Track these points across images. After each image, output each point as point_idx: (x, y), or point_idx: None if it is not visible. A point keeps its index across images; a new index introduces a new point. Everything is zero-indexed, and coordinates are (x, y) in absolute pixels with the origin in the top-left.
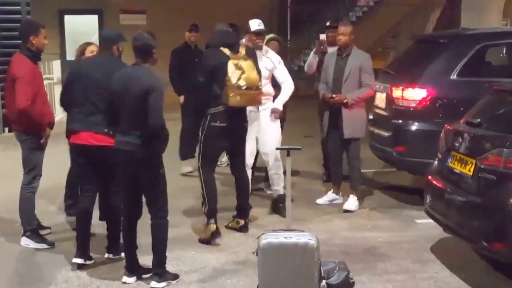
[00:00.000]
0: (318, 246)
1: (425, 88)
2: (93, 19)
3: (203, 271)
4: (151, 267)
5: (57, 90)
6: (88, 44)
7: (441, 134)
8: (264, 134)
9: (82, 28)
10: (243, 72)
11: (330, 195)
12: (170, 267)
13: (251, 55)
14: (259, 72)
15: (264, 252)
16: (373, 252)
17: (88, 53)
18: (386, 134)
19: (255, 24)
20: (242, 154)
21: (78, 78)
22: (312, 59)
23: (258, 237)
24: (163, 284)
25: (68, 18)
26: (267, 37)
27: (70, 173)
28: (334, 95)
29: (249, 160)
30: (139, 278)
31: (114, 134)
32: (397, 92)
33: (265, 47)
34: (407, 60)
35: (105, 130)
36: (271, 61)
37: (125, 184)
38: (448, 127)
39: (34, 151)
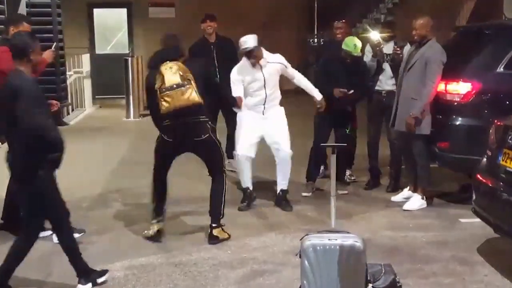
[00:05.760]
0: (364, 248)
1: (470, 82)
2: (122, 12)
3: (240, 271)
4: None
5: (87, 83)
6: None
7: (491, 130)
8: (275, 132)
9: (111, 22)
10: (163, 76)
11: (406, 192)
12: (207, 267)
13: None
14: (192, 68)
15: (307, 254)
16: (417, 253)
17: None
18: None
19: (241, 44)
20: (211, 162)
21: None
22: (371, 63)
23: (301, 239)
24: (89, 285)
25: (97, 11)
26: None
27: None
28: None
29: (250, 152)
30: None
31: None
32: (440, 86)
33: (266, 54)
34: (450, 53)
35: None
36: (279, 63)
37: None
38: (499, 123)
39: None
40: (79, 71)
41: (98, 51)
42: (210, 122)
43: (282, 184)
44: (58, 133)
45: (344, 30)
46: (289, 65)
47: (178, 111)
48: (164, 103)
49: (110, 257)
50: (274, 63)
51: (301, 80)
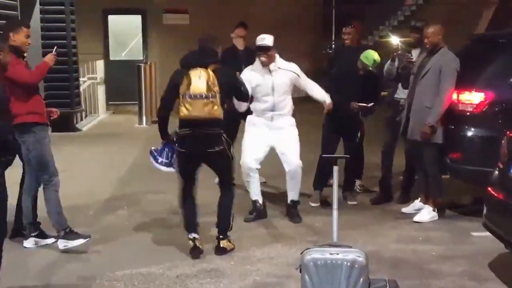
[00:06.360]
0: (367, 263)
1: (483, 92)
2: (137, 19)
3: (242, 284)
4: None
5: (101, 89)
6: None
7: (503, 142)
8: (284, 143)
9: (125, 28)
10: (190, 83)
11: (417, 204)
12: (208, 278)
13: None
14: (219, 77)
15: (307, 269)
16: (425, 267)
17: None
18: None
19: (258, 40)
20: (221, 174)
21: None
22: (390, 67)
23: (301, 252)
24: None
25: (111, 18)
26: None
27: None
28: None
29: (256, 164)
30: None
31: None
32: (452, 96)
33: (279, 60)
34: (463, 61)
35: None
36: (291, 71)
37: None
38: (511, 134)
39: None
40: (93, 77)
41: (112, 57)
42: (225, 135)
43: (291, 194)
44: (12, 138)
45: (353, 35)
46: (303, 75)
47: (194, 121)
48: (183, 109)
49: (112, 266)
50: (286, 70)
51: (314, 90)
